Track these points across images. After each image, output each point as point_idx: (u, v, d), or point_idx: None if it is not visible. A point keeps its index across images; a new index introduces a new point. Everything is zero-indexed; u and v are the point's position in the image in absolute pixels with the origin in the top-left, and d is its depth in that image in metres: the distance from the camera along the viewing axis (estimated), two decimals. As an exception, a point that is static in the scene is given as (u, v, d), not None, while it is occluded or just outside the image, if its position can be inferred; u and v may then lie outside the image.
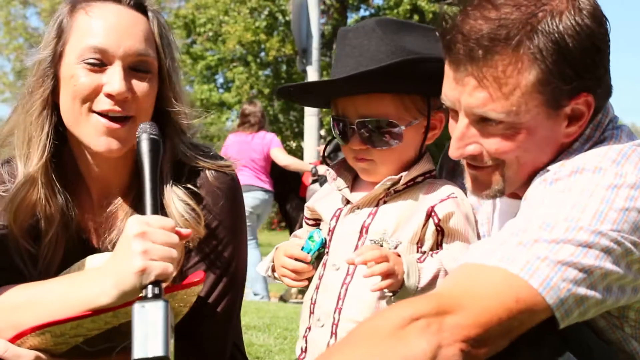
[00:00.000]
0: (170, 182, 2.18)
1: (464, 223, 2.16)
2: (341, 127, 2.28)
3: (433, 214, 2.16)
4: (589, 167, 1.86)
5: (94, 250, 2.24)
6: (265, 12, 26.08)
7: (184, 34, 26.47)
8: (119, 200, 2.26)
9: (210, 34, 26.56)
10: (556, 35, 1.85)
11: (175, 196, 2.16)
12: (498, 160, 1.98)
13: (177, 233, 1.91)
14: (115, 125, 2.11)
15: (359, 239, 2.23)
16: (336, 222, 2.31)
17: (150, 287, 1.83)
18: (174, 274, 1.89)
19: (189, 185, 2.18)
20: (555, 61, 1.85)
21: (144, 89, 2.14)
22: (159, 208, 1.93)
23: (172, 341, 1.75)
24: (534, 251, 1.73)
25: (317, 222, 2.41)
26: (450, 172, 2.47)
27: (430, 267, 2.10)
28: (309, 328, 2.28)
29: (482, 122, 1.95)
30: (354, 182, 2.37)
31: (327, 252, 2.31)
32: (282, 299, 9.52)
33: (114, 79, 2.09)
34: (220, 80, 28.21)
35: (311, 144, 12.53)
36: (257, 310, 7.15)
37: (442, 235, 2.17)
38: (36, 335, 1.93)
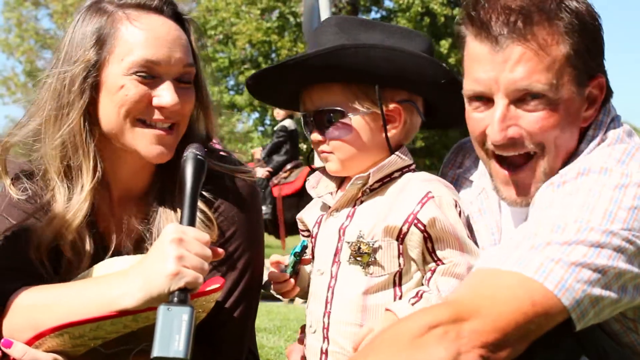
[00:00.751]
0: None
1: (449, 223, 2.12)
2: (304, 121, 2.31)
3: (416, 221, 2.12)
4: (594, 168, 1.87)
5: (111, 253, 2.25)
6: (276, 14, 26.12)
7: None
8: (137, 203, 2.27)
9: (221, 36, 26.62)
10: (578, 13, 1.92)
11: None
12: (538, 145, 1.97)
13: (211, 249, 1.93)
14: (166, 137, 2.16)
15: (338, 242, 2.22)
16: (318, 228, 2.31)
17: (177, 293, 1.84)
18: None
19: (203, 192, 2.19)
20: (581, 36, 1.92)
21: (188, 98, 2.19)
22: (195, 220, 1.96)
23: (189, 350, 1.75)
24: (547, 253, 1.74)
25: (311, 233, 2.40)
26: (451, 182, 2.46)
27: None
28: (305, 336, 2.30)
29: (522, 101, 1.95)
30: (342, 186, 2.35)
31: (313, 259, 2.32)
32: None
33: (166, 93, 2.13)
34: (231, 82, 28.29)
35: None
36: (268, 312, 7.17)
37: (430, 241, 2.13)
38: (55, 337, 1.94)
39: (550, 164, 1.99)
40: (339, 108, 2.21)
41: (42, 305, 2.00)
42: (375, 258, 2.15)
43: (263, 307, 7.63)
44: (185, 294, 1.84)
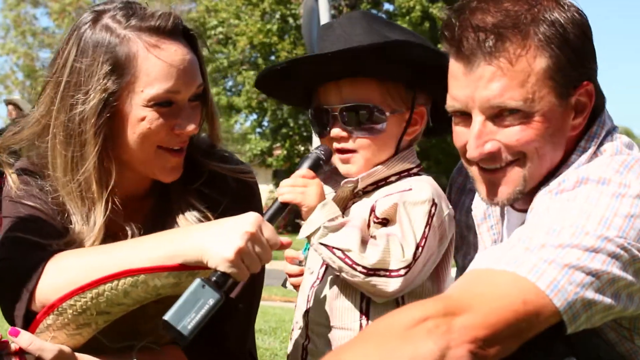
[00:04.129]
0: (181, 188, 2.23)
1: (404, 212, 2.09)
2: (320, 117, 2.23)
3: (375, 209, 2.13)
4: (593, 177, 1.87)
5: None
6: (277, 16, 26.15)
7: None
8: (137, 204, 2.27)
9: (221, 36, 26.63)
10: (557, 24, 1.92)
11: (186, 202, 2.22)
12: (518, 155, 1.97)
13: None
14: (180, 158, 2.19)
15: None
16: None
17: (219, 274, 1.90)
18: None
19: (204, 190, 2.22)
20: (560, 48, 1.91)
21: (198, 115, 2.19)
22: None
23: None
24: (541, 255, 1.74)
25: None
26: (459, 189, 2.48)
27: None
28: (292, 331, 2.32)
29: (498, 116, 1.95)
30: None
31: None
32: None
33: (187, 120, 2.13)
34: (229, 83, 28.32)
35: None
36: (263, 314, 7.17)
37: (381, 224, 2.13)
38: (56, 315, 1.95)
39: (532, 171, 1.99)
40: (378, 105, 2.17)
41: (98, 255, 2.04)
42: None
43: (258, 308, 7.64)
44: (225, 280, 1.90)
